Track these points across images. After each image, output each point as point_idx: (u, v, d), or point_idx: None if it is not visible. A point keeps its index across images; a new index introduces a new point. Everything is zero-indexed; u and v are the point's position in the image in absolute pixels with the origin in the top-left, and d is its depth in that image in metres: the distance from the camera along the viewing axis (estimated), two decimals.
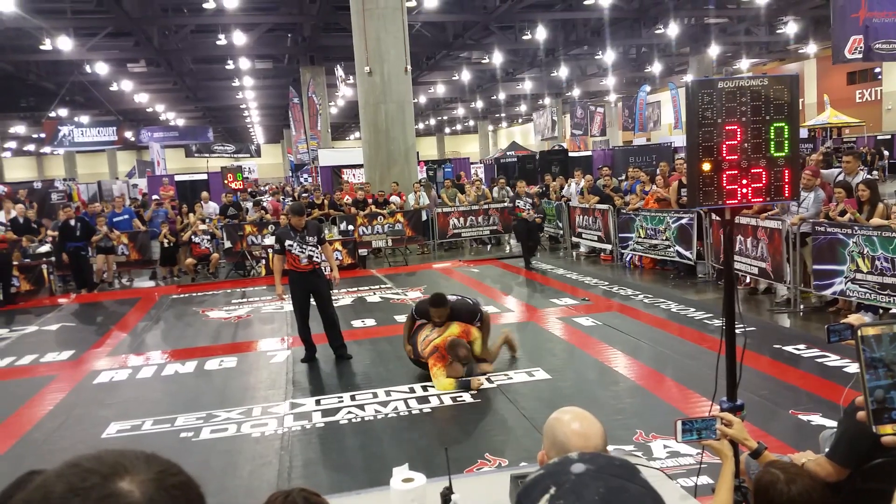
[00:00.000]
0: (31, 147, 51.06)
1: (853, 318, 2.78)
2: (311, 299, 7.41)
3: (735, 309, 3.11)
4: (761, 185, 2.96)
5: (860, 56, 10.02)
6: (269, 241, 13.86)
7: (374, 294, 10.94)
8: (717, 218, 9.07)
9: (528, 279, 11.77)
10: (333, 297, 10.72)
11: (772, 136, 2.92)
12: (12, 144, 47.90)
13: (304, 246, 7.23)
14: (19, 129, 41.16)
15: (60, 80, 26.75)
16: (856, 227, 7.56)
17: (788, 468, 2.38)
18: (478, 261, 14.04)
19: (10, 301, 11.87)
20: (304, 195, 16.80)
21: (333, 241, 13.81)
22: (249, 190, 22.22)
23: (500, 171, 24.09)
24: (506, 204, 16.46)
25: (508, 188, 17.85)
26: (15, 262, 12.37)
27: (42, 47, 21.13)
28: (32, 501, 0.77)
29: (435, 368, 6.21)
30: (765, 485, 2.31)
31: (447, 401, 5.87)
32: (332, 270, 7.67)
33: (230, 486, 4.50)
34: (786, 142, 2.95)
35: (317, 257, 7.33)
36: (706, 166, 2.88)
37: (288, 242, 7.22)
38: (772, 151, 2.93)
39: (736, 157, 2.90)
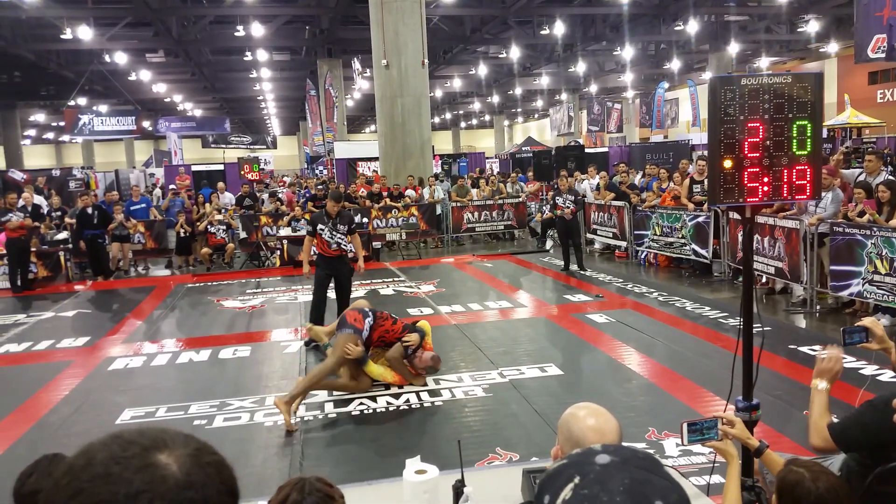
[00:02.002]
0: (50, 135, 51.56)
1: (868, 322, 2.75)
2: (332, 286, 7.77)
3: (753, 308, 3.09)
4: (782, 183, 2.93)
5: (883, 55, 9.89)
6: (285, 231, 13.94)
7: (388, 287, 10.96)
8: (736, 216, 9.01)
9: (541, 275, 11.74)
10: None
11: (794, 135, 2.89)
12: (32, 132, 48.36)
13: (334, 233, 7.54)
14: (39, 117, 41.55)
15: (80, 69, 26.92)
16: (874, 229, 7.48)
17: (811, 466, 2.36)
18: (491, 255, 14.02)
19: (27, 287, 12.00)
20: (319, 187, 16.81)
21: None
22: (266, 181, 22.31)
23: (516, 166, 24.03)
24: (518, 201, 16.45)
25: (522, 184, 17.81)
26: (33, 249, 12.50)
27: (62, 36, 21.28)
28: (76, 466, 0.81)
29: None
30: (790, 484, 2.29)
31: (459, 394, 5.87)
32: (358, 259, 7.99)
33: (242, 475, 4.49)
34: (808, 140, 2.92)
35: (345, 245, 7.66)
36: (727, 163, 2.85)
37: (320, 227, 7.55)
38: (794, 149, 2.90)
39: (758, 154, 2.87)
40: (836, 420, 2.64)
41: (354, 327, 5.75)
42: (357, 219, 14.64)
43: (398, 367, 5.97)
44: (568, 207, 11.28)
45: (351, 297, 7.97)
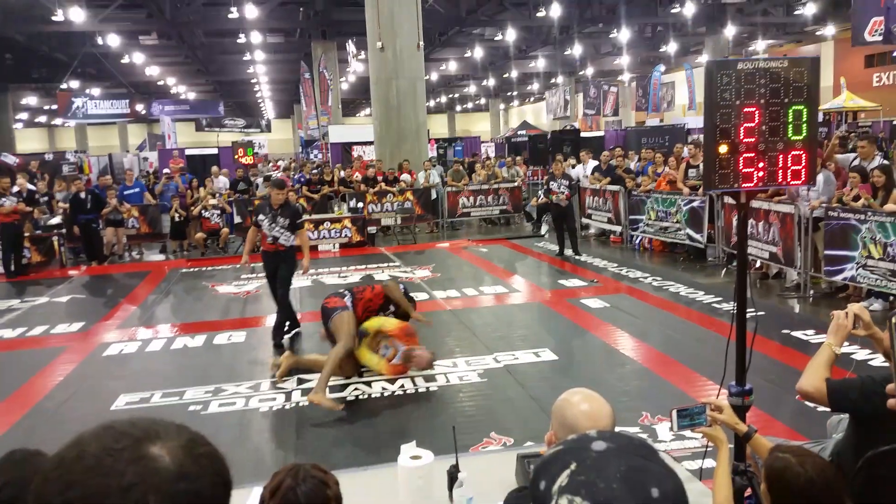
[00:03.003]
0: (42, 119, 51.14)
1: (856, 308, 2.76)
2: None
3: (747, 293, 3.09)
4: (778, 168, 2.92)
5: (880, 39, 9.87)
6: None
7: (383, 272, 10.95)
8: (731, 201, 9.02)
9: (536, 260, 11.74)
10: (342, 275, 10.80)
11: (790, 119, 2.87)
12: (24, 116, 47.96)
13: (273, 225, 7.00)
14: (31, 100, 41.17)
15: (72, 51, 26.66)
16: (869, 213, 7.49)
17: (796, 450, 2.37)
18: (486, 240, 14.02)
19: (21, 272, 11.94)
20: (314, 171, 16.73)
21: (343, 219, 13.82)
22: (259, 164, 22.17)
23: (511, 150, 23.98)
24: (514, 185, 16.41)
25: (518, 168, 17.77)
26: (26, 234, 12.44)
27: (54, 18, 21.05)
28: (67, 458, 0.80)
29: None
30: (778, 470, 2.30)
31: (454, 380, 5.89)
32: (304, 258, 7.29)
33: (237, 460, 4.53)
34: (804, 125, 2.90)
35: (284, 239, 7.07)
36: (723, 148, 2.84)
37: (260, 217, 7.07)
38: (790, 135, 2.88)
39: (753, 139, 2.85)
40: (835, 436, 2.68)
41: (341, 307, 5.58)
42: (352, 203, 14.65)
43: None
44: (563, 193, 11.22)
45: (287, 292, 7.29)
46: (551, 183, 11.39)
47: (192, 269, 12.10)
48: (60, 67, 28.10)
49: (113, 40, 24.33)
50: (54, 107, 33.06)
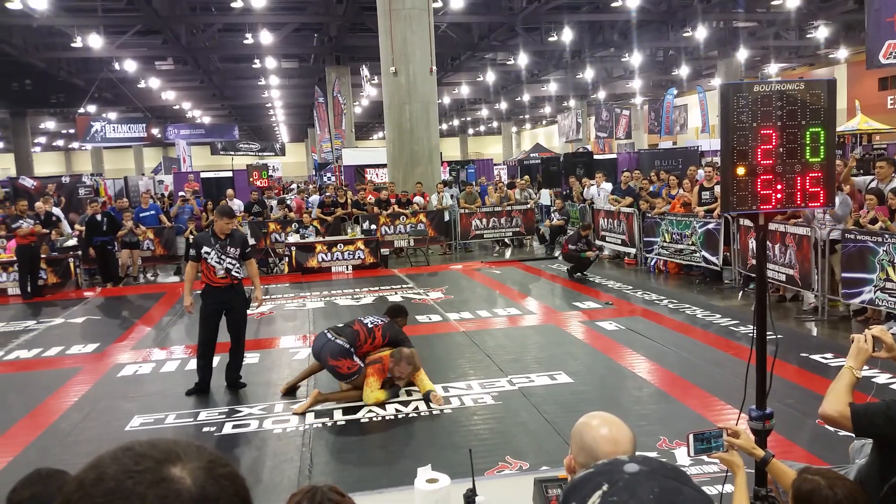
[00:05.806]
0: (59, 142, 51.90)
1: (877, 330, 2.72)
2: (224, 319, 6.63)
3: (766, 316, 3.06)
4: (796, 190, 2.91)
5: (895, 61, 9.84)
6: (293, 238, 13.95)
7: (396, 294, 10.95)
8: (748, 223, 8.97)
9: (550, 282, 11.71)
10: (355, 296, 10.79)
11: (807, 141, 2.87)
12: (42, 140, 48.68)
13: (223, 256, 6.36)
14: (49, 124, 41.82)
15: (90, 76, 27.12)
16: (886, 236, 7.43)
17: (825, 473, 2.34)
18: (500, 262, 14.00)
19: (37, 293, 12.05)
20: (327, 195, 16.81)
21: (356, 241, 13.86)
22: (282, 186, 22.30)
23: (524, 172, 24.03)
24: (527, 207, 16.42)
25: (531, 190, 17.80)
26: (43, 256, 12.56)
27: (73, 45, 21.47)
28: (86, 481, 0.79)
29: (371, 379, 5.85)
30: (806, 493, 2.26)
31: (468, 402, 5.85)
32: (255, 290, 6.80)
33: (250, 482, 4.50)
34: (821, 147, 2.90)
35: (236, 271, 6.48)
36: (740, 170, 2.83)
37: (205, 250, 6.34)
38: (807, 156, 2.87)
39: (770, 161, 2.85)
40: (859, 460, 2.63)
41: (355, 370, 5.85)
42: (365, 225, 14.69)
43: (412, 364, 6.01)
44: (586, 250, 11.70)
45: (245, 330, 6.78)
46: (578, 243, 11.75)
47: None
48: (78, 92, 28.58)
49: (130, 66, 24.78)
50: (72, 130, 33.51)
